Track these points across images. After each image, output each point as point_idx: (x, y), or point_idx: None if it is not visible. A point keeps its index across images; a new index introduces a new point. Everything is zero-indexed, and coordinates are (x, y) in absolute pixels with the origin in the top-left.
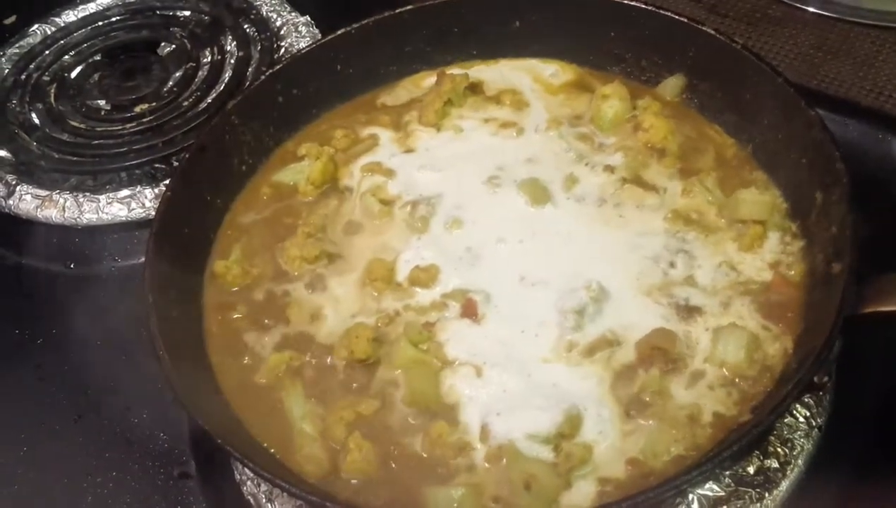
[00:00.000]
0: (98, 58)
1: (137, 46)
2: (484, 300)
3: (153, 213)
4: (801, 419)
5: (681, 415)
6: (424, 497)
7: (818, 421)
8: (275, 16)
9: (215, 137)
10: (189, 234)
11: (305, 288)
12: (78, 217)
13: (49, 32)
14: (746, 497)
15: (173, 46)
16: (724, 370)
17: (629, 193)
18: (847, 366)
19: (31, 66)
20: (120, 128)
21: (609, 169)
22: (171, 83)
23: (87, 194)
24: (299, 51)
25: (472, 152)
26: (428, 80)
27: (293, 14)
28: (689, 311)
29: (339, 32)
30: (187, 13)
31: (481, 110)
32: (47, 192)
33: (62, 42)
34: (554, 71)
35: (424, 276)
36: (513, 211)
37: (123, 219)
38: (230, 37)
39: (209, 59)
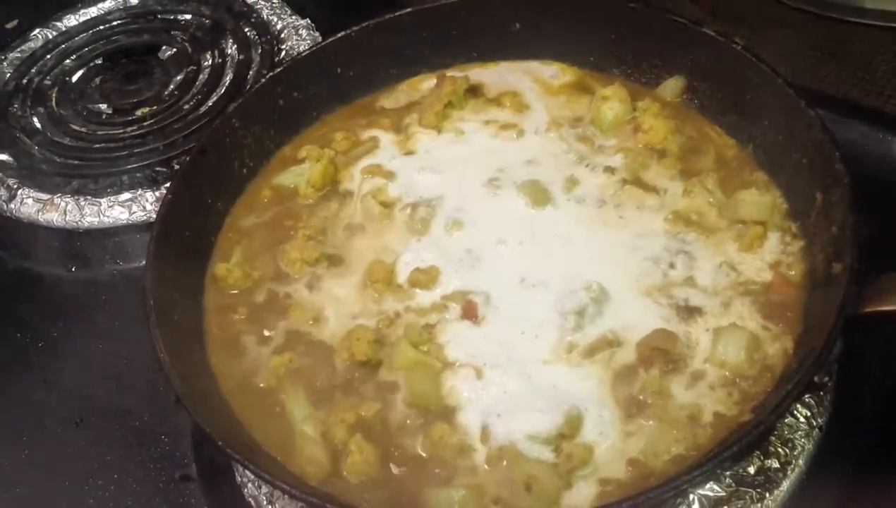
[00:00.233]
0: (99, 62)
1: (138, 50)
2: (484, 301)
3: (154, 216)
4: (802, 419)
5: (681, 415)
6: (425, 499)
7: (819, 420)
8: (275, 19)
9: (216, 140)
10: (190, 237)
11: (306, 291)
12: (79, 220)
13: (51, 37)
14: (747, 497)
15: (174, 50)
16: (725, 370)
17: (629, 194)
18: (848, 366)
19: (33, 71)
20: (121, 131)
21: (609, 170)
22: (172, 87)
23: (89, 197)
24: (300, 54)
25: (473, 154)
26: (426, 83)
27: (294, 17)
28: (689, 312)
29: (340, 35)
30: (188, 17)
31: (482, 112)
32: (49, 196)
33: (64, 46)
34: (554, 73)
35: (425, 278)
36: (513, 212)
37: (124, 222)
38: (231, 40)
39: (210, 62)
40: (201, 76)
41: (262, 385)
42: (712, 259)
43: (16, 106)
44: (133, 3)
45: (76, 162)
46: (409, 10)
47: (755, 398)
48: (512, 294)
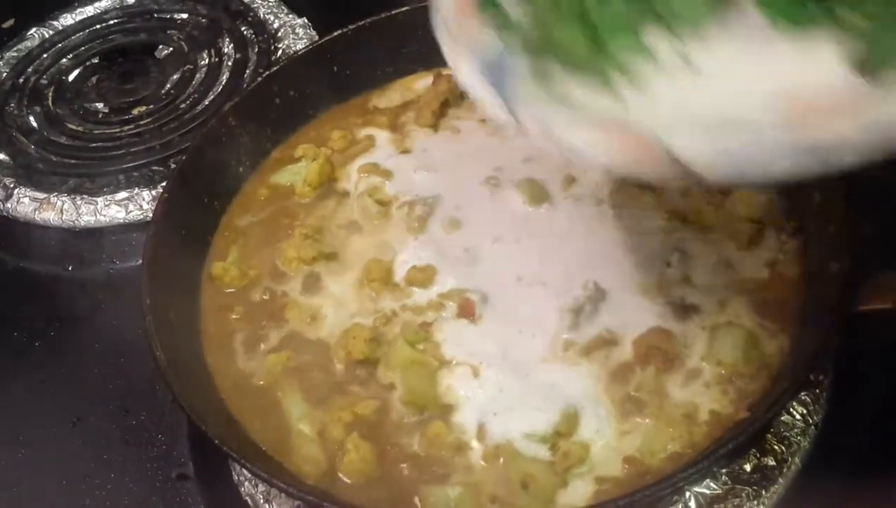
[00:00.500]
0: (96, 61)
1: (135, 49)
2: (481, 300)
3: (151, 215)
4: (799, 416)
5: (677, 413)
6: (422, 497)
7: (815, 418)
8: (272, 18)
9: (212, 139)
10: (186, 236)
11: (303, 289)
12: (76, 219)
13: (47, 36)
14: (743, 494)
15: (171, 49)
16: (721, 368)
17: (627, 193)
18: (844, 364)
19: (29, 70)
20: (117, 130)
21: None
22: (168, 86)
23: (85, 197)
24: (296, 53)
25: (470, 152)
26: (420, 82)
27: (290, 16)
28: (685, 310)
29: (336, 34)
30: (184, 16)
31: (478, 111)
32: (45, 195)
33: (60, 45)
34: None
35: (421, 276)
36: (510, 211)
37: (121, 221)
38: (227, 39)
39: (206, 61)
40: (198, 75)
41: (258, 383)
42: (709, 257)
43: (12, 105)
44: (129, 3)
45: (73, 161)
46: (405, 8)
47: (751, 396)
48: (509, 292)
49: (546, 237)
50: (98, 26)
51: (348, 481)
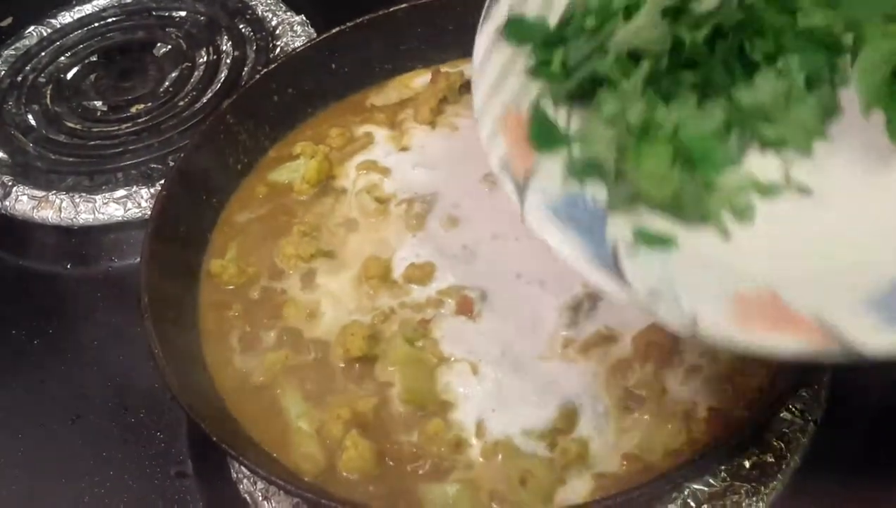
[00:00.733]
0: (94, 59)
1: (133, 47)
2: (480, 297)
3: (149, 213)
4: (797, 413)
5: (676, 410)
6: (421, 494)
7: (814, 415)
8: (270, 15)
9: (211, 137)
10: (185, 234)
11: (301, 287)
12: (74, 217)
13: (45, 34)
14: (742, 491)
15: (169, 47)
16: (720, 365)
17: None
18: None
19: (27, 68)
20: (116, 128)
21: None
22: (166, 83)
23: (84, 194)
24: (294, 50)
25: (468, 150)
26: (418, 79)
27: (288, 13)
28: None
29: (334, 31)
30: (183, 14)
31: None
32: (43, 193)
33: (58, 43)
34: None
35: (420, 274)
36: (509, 208)
37: (120, 219)
38: (226, 37)
39: (205, 59)
40: (196, 73)
41: (257, 381)
42: None
43: (10, 103)
44: (127, 1)
45: (71, 159)
46: (403, 5)
47: (751, 392)
48: (508, 289)
49: None
50: (96, 24)
51: (347, 478)
